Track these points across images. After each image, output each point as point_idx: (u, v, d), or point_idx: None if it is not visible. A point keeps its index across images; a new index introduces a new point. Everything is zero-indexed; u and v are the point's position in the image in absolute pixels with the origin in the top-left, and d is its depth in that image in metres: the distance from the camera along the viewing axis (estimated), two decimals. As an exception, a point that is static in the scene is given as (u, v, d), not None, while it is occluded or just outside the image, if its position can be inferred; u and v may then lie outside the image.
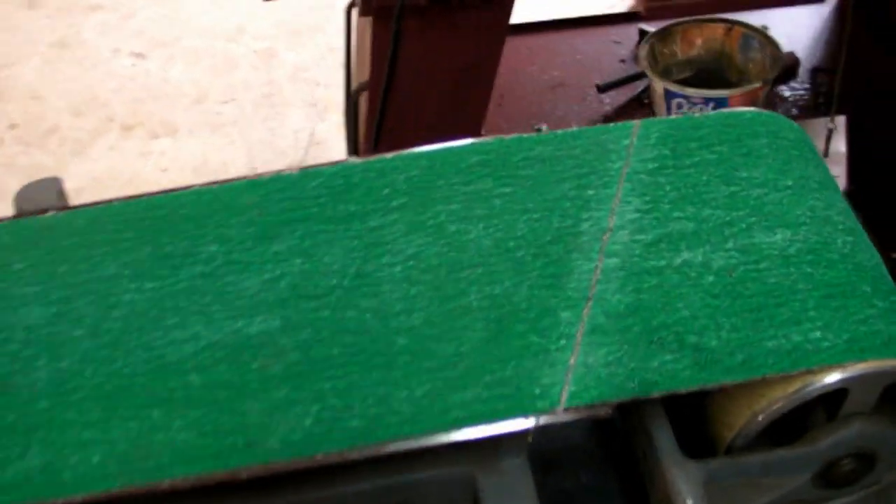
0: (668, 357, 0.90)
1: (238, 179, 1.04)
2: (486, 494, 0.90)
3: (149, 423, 0.87)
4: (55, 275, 0.97)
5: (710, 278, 0.94)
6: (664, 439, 0.93)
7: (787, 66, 2.32)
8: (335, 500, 0.91)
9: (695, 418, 1.00)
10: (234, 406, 0.87)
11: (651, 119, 1.09)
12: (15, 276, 0.97)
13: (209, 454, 0.85)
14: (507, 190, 1.01)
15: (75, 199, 1.10)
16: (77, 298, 0.95)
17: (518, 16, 1.91)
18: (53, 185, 1.12)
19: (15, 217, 1.06)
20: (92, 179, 3.02)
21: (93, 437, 0.86)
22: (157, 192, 1.03)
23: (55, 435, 0.86)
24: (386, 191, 1.01)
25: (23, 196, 1.11)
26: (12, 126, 3.20)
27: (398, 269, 0.95)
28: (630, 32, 2.51)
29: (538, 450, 0.93)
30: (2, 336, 0.93)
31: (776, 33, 2.18)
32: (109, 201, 1.04)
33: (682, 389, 0.88)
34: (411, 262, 0.95)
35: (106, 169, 3.07)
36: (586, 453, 1.04)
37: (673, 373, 0.89)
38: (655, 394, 0.88)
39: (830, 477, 0.96)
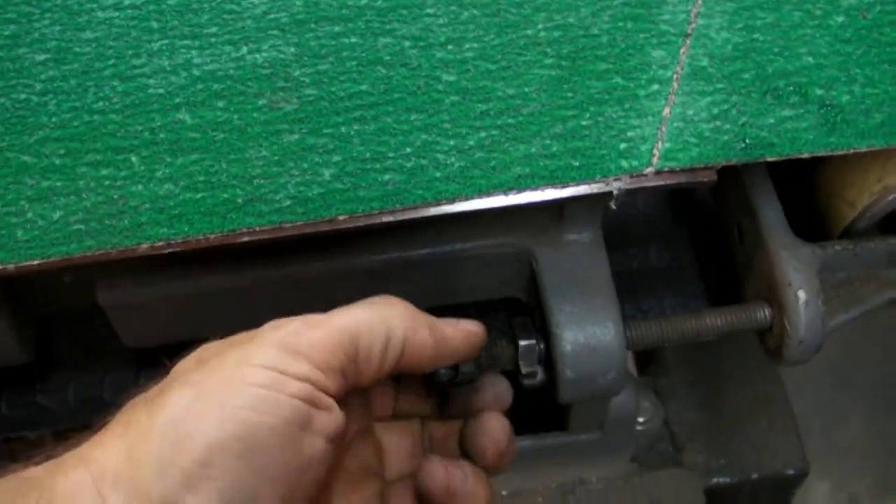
0: (788, 113, 0.70)
1: None
2: (546, 276, 0.72)
3: (126, 172, 0.68)
4: (14, -14, 0.76)
5: (840, 19, 0.74)
6: (772, 214, 0.74)
7: None
8: (357, 273, 0.73)
9: (801, 193, 0.81)
10: (234, 152, 0.69)
11: None
12: (-36, -13, 0.77)
13: (201, 211, 0.67)
14: None
15: None
16: (40, 16, 0.75)
17: None
18: None
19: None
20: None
21: (54, 186, 0.68)
22: None
23: (7, 183, 0.68)
24: None
25: None
26: None
27: (445, -12, 0.74)
28: None
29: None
30: (-54, 59, 0.73)
31: None
32: None
33: (805, 153, 0.69)
34: (462, -20, 0.75)
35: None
36: (657, 227, 0.86)
37: (794, 132, 0.70)
38: (771, 157, 0.69)
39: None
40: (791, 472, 0.88)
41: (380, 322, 0.57)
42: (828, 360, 1.73)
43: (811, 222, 0.80)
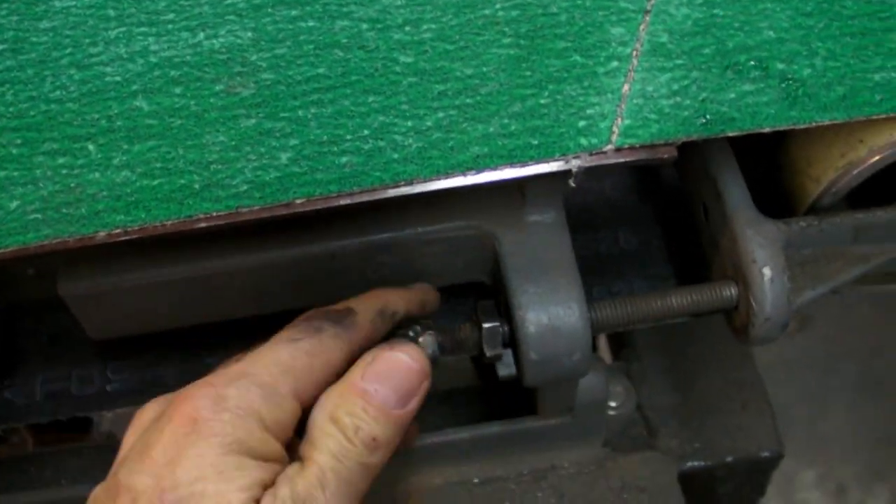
0: (749, 87, 0.70)
1: None
2: (509, 258, 0.72)
3: (83, 160, 0.68)
4: (-29, -22, 0.76)
5: (801, -9, 0.74)
6: (736, 191, 0.74)
7: None
8: (315, 258, 0.73)
9: (765, 170, 0.81)
10: (191, 138, 0.68)
11: None
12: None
13: (158, 198, 0.66)
14: None
15: None
16: (-4, 6, 0.74)
17: None
18: None
19: None
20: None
21: (10, 176, 0.67)
22: None
23: (-39, 170, 0.68)
24: None
25: None
26: None
27: (403, -30, 0.74)
28: None
29: (565, 205, 0.75)
30: None
31: None
32: None
33: (766, 128, 0.69)
34: (420, -38, 0.74)
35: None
36: (624, 209, 0.85)
37: (754, 107, 0.69)
38: (731, 132, 0.69)
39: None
40: (766, 454, 0.88)
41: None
42: (810, 352, 1.74)
43: (775, 199, 0.79)
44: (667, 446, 0.87)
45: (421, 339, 0.70)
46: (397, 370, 0.64)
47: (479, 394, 0.89)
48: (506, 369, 0.76)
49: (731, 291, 0.73)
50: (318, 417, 0.61)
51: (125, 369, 0.81)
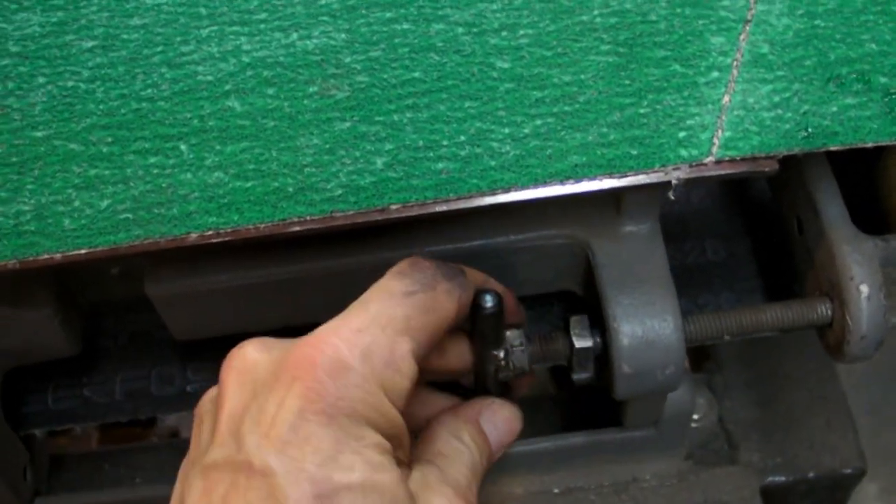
0: (851, 101, 0.68)
1: None
2: (603, 269, 0.70)
3: (174, 160, 0.67)
4: (61, -26, 0.75)
5: (905, 2, 0.72)
6: (834, 207, 0.72)
7: None
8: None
9: (861, 184, 0.79)
10: (285, 140, 0.67)
11: None
12: (12, -25, 0.76)
13: (250, 200, 0.66)
14: None
15: None
16: (87, 3, 0.74)
17: None
18: None
19: None
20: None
21: (102, 174, 0.67)
22: None
23: (54, 171, 0.67)
24: None
25: None
26: None
27: (499, -26, 0.73)
28: None
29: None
30: (-8, 48, 0.72)
31: None
32: None
33: (869, 142, 0.67)
34: (516, -34, 0.73)
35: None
36: (712, 220, 0.84)
37: (857, 121, 0.68)
38: (833, 146, 0.67)
39: None
40: (848, 471, 0.86)
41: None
42: (874, 364, 1.70)
43: (871, 214, 0.78)
44: (748, 460, 0.86)
45: (516, 347, 0.69)
46: (509, 427, 0.68)
47: (555, 400, 0.88)
48: (582, 373, 0.74)
49: (825, 308, 0.72)
50: (441, 431, 0.63)
51: (205, 370, 0.81)
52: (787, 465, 0.86)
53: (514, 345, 0.70)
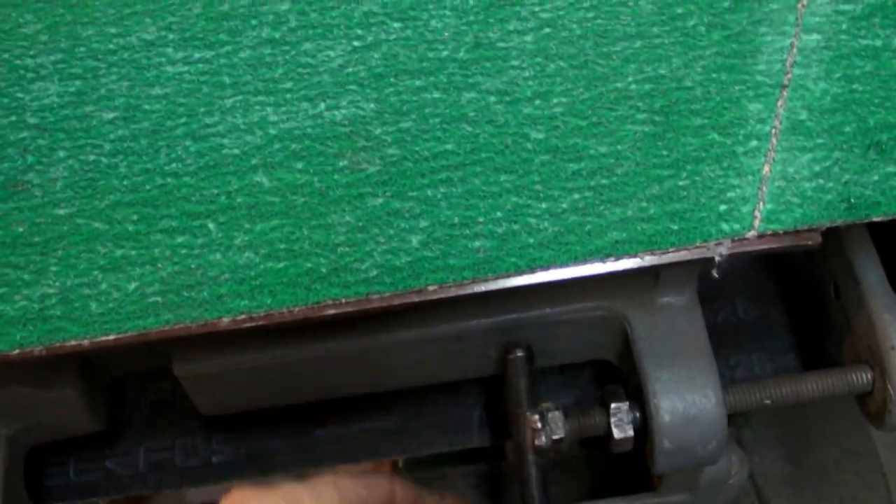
0: (893, 169, 0.67)
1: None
2: (641, 342, 0.69)
3: (202, 239, 0.66)
4: (78, 40, 0.73)
5: (941, 64, 0.71)
6: (874, 274, 0.71)
7: None
8: (443, 340, 0.70)
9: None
10: (316, 217, 0.66)
11: None
12: (26, 41, 0.74)
13: (283, 282, 0.64)
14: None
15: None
16: (106, 71, 0.72)
17: None
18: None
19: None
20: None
21: (128, 255, 0.65)
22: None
23: (79, 251, 0.65)
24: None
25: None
26: None
27: (529, 38, 0.71)
28: None
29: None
30: (9, 121, 0.70)
31: None
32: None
33: (912, 212, 0.66)
34: (547, 30, 0.72)
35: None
36: (742, 278, 0.83)
37: (900, 189, 0.66)
38: (876, 217, 0.66)
39: None
40: (881, 527, 0.85)
41: None
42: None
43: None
44: (779, 517, 0.85)
45: (550, 416, 0.68)
46: None
47: (581, 461, 0.87)
48: (621, 433, 0.72)
49: (866, 377, 0.71)
50: None
51: (231, 440, 0.79)
52: (818, 521, 0.85)
53: (550, 408, 0.69)
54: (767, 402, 0.70)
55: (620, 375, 0.74)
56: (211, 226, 0.66)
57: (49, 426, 0.73)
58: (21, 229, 0.66)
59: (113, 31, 0.73)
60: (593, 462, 0.86)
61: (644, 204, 0.65)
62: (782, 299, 0.82)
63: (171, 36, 0.72)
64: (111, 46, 0.73)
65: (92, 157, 0.69)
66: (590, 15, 0.72)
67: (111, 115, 0.70)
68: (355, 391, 0.74)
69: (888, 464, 0.88)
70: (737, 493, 0.85)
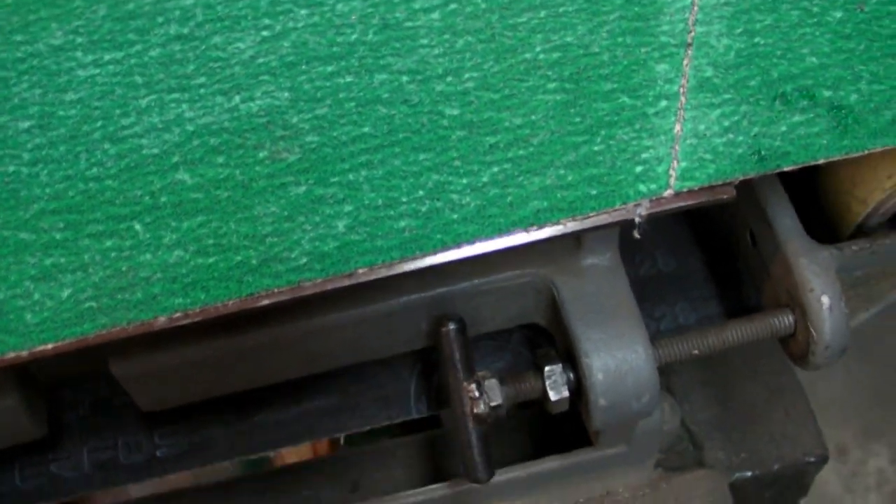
0: (799, 118, 0.69)
1: None
2: (569, 304, 0.71)
3: (131, 241, 0.66)
4: (-18, 46, 0.73)
5: (838, 14, 0.73)
6: (788, 220, 0.74)
7: None
8: (379, 317, 0.72)
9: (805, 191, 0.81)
10: (241, 210, 0.66)
11: None
12: (-71, 49, 0.73)
13: (215, 277, 0.65)
14: None
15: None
16: (17, 80, 0.72)
17: None
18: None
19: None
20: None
21: (58, 263, 0.65)
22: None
23: (8, 264, 0.65)
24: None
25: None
26: None
27: (436, 15, 0.73)
28: None
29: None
30: (-79, 132, 0.70)
31: None
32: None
33: (821, 159, 0.68)
34: (453, 6, 0.73)
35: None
36: (660, 231, 0.85)
37: (807, 139, 0.69)
38: (787, 167, 0.68)
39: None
40: (812, 459, 0.88)
41: None
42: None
43: (819, 221, 0.79)
44: (714, 459, 0.88)
45: (486, 384, 0.70)
46: None
47: (523, 420, 0.89)
48: (557, 394, 0.74)
49: (787, 320, 0.73)
50: None
51: (173, 434, 0.80)
52: (751, 460, 0.88)
53: (486, 377, 0.71)
54: (696, 352, 0.73)
55: (551, 337, 0.76)
56: (138, 227, 0.66)
57: (-10, 435, 0.73)
58: (-54, 246, 0.66)
59: (19, 38, 0.73)
60: (531, 422, 0.88)
61: (562, 171, 0.67)
62: (700, 249, 0.84)
63: (79, 39, 0.72)
64: (19, 55, 0.72)
65: (12, 168, 0.69)
66: (494, -12, 0.73)
67: (27, 124, 0.70)
68: (294, 375, 0.75)
69: (813, 399, 0.91)
70: (671, 440, 0.87)
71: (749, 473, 0.88)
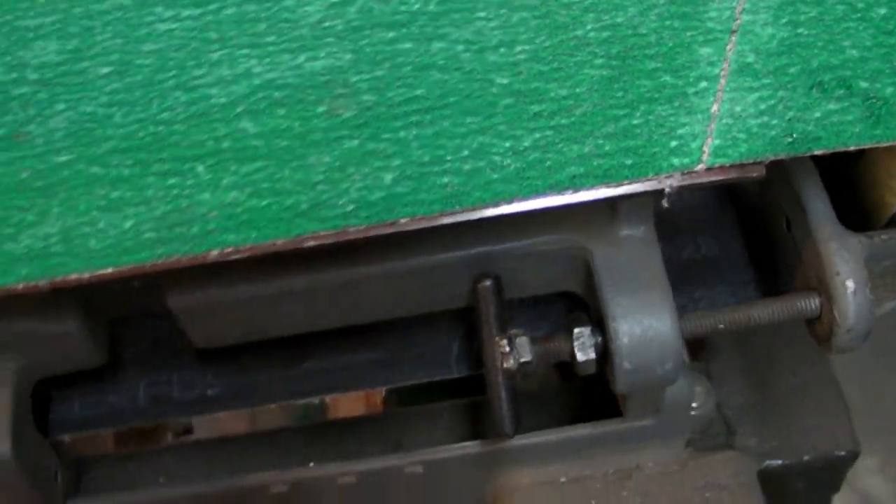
0: (834, 106, 0.72)
1: None
2: (603, 272, 0.74)
3: (192, 181, 0.71)
4: (74, 1, 0.78)
5: (882, 11, 0.75)
6: (820, 205, 0.76)
7: None
8: (421, 271, 0.76)
9: (845, 181, 0.83)
10: (297, 159, 0.71)
11: None
12: (26, 3, 0.79)
13: (266, 218, 0.69)
14: None
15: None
16: (101, 29, 0.77)
17: None
18: None
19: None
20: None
21: (124, 196, 0.70)
22: None
23: (78, 194, 0.71)
24: None
25: None
26: None
27: (495, -8, 0.76)
28: None
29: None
30: (11, 77, 0.75)
31: None
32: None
33: (851, 146, 0.71)
34: (511, -16, 0.76)
35: None
36: (704, 216, 0.87)
37: (839, 126, 0.71)
38: (817, 150, 0.71)
39: None
40: (842, 453, 0.90)
41: None
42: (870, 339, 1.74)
43: (853, 209, 0.81)
44: (745, 445, 0.90)
45: (518, 341, 0.73)
46: None
47: (559, 393, 0.92)
48: (584, 355, 0.77)
49: (814, 303, 0.76)
50: None
51: (225, 374, 0.85)
52: (783, 448, 0.90)
53: (517, 334, 0.74)
54: (721, 326, 0.75)
55: (585, 305, 0.79)
56: (200, 168, 0.71)
57: (53, 359, 0.78)
58: (25, 175, 0.72)
59: (107, -9, 0.78)
60: (566, 394, 0.91)
61: (600, 141, 0.70)
62: (741, 235, 0.87)
63: (160, -6, 0.77)
64: (105, 7, 0.77)
65: (89, 109, 0.74)
66: (552, -32, 0.77)
67: (106, 70, 0.75)
68: (339, 323, 0.79)
69: (842, 388, 0.93)
70: (705, 423, 0.90)
71: (779, 462, 0.90)
